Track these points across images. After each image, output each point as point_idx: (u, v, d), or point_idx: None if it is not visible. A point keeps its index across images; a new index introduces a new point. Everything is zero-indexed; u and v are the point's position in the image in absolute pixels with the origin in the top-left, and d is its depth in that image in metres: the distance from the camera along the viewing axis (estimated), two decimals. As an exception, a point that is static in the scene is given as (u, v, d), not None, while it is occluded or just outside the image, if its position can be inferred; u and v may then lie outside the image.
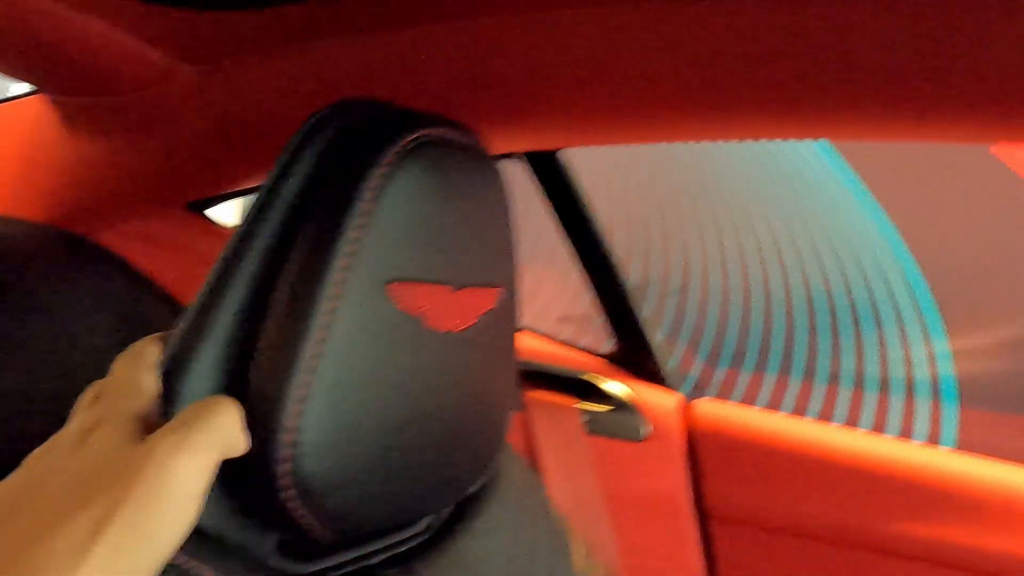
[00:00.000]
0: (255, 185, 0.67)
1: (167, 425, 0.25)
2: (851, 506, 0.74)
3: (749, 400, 1.97)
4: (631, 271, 2.16)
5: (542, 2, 0.46)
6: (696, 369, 2.04)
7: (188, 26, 0.49)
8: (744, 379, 2.01)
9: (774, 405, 1.96)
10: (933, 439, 1.81)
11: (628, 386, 0.82)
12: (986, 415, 1.73)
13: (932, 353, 1.81)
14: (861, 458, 0.74)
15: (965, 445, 1.74)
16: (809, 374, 1.94)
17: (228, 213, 0.78)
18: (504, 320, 0.36)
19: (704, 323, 2.09)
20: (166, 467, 0.23)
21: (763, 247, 2.03)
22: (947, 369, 1.79)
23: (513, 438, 0.60)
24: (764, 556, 0.77)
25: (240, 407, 0.27)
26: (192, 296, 0.29)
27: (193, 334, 0.28)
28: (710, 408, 0.80)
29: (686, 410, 0.80)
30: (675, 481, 0.79)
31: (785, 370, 1.99)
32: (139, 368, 0.28)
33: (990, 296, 1.74)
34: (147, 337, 0.30)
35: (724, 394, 1.99)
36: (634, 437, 0.79)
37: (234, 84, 0.55)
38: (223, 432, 0.26)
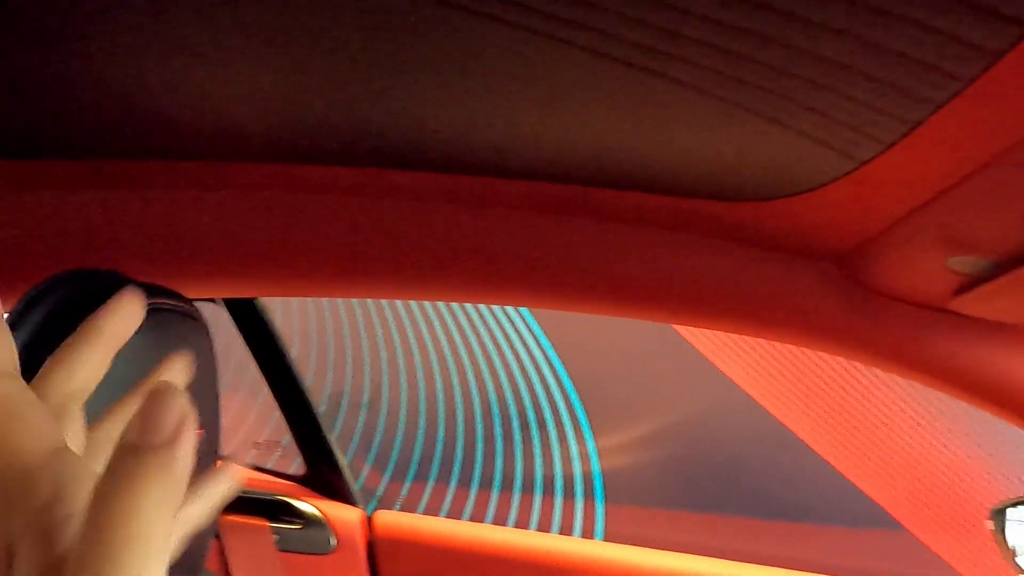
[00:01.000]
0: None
1: None
2: None
3: (433, 509, 2.11)
4: (326, 383, 2.25)
5: (236, 181, 0.59)
6: (382, 485, 2.14)
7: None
8: (428, 490, 2.15)
9: (456, 512, 2.13)
10: (588, 532, 2.09)
11: (317, 504, 0.92)
12: (625, 508, 2.06)
13: (584, 452, 2.13)
14: (530, 554, 0.91)
15: (612, 535, 2.08)
16: (486, 480, 2.15)
17: None
18: (206, 457, 0.45)
19: (392, 439, 2.22)
20: None
21: (447, 365, 2.24)
22: (596, 466, 2.11)
23: (210, 562, 0.67)
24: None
25: None
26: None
27: None
28: (389, 519, 0.93)
29: (368, 523, 0.92)
30: (359, 588, 0.90)
31: (466, 478, 2.17)
32: None
33: (628, 401, 2.11)
34: None
35: (409, 506, 2.11)
36: (322, 551, 0.89)
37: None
38: None
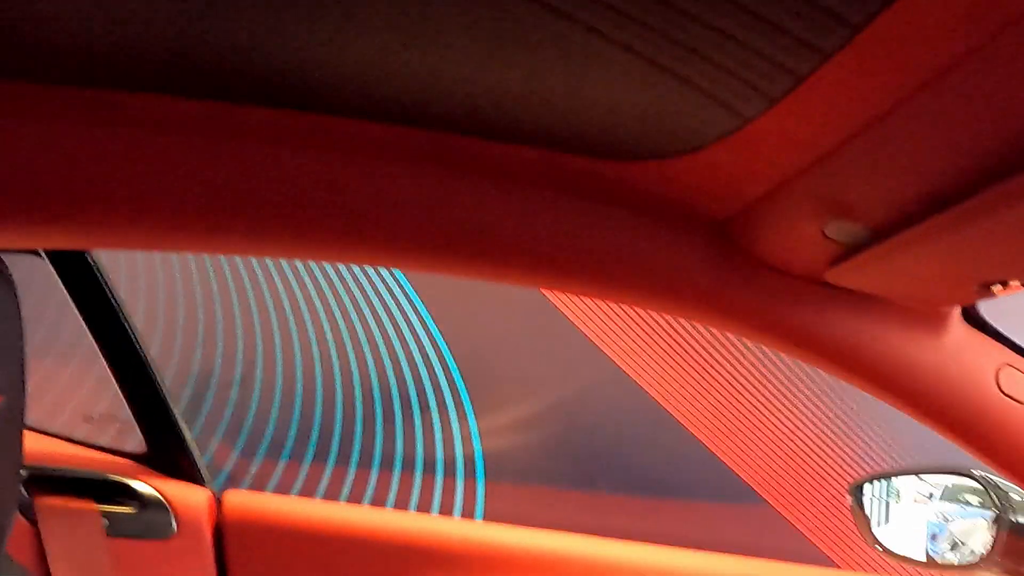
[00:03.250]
0: None
1: None
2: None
3: (309, 490, 2.03)
4: (194, 359, 2.11)
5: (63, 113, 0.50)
6: (254, 465, 2.04)
7: None
8: (303, 471, 2.07)
9: (333, 493, 2.05)
10: (468, 512, 2.07)
11: (157, 484, 0.83)
12: (506, 487, 2.06)
13: (466, 433, 2.10)
14: (390, 533, 0.86)
15: (491, 515, 2.06)
16: (366, 460, 2.08)
17: None
18: (7, 427, 0.38)
19: (266, 418, 2.12)
20: None
21: (325, 339, 2.16)
22: (478, 446, 2.09)
23: (21, 550, 0.58)
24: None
25: None
26: None
27: None
28: (242, 500, 0.86)
29: (215, 504, 0.84)
30: (203, 574, 0.82)
31: (344, 458, 2.10)
32: None
33: (511, 380, 2.10)
34: None
35: (282, 487, 2.02)
36: (160, 536, 0.80)
37: None
38: None
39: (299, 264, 2.18)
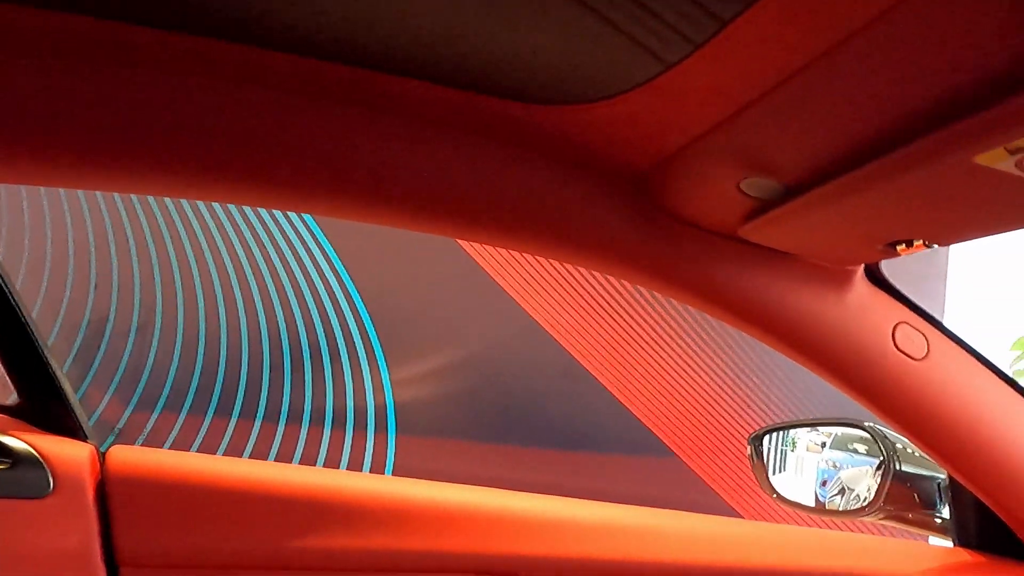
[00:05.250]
0: None
1: None
2: (286, 532, 0.81)
3: (211, 446, 1.96)
4: (87, 308, 1.98)
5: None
6: (152, 418, 1.95)
7: None
8: (205, 424, 2.00)
9: (237, 448, 2.00)
10: (378, 466, 2.06)
11: (32, 439, 0.77)
12: (418, 440, 2.05)
13: (379, 384, 2.07)
14: (292, 489, 0.82)
15: (400, 469, 2.05)
16: (273, 413, 2.03)
17: None
18: None
19: (165, 369, 2.03)
20: None
21: (231, 286, 2.07)
22: (389, 398, 2.07)
23: None
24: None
25: None
26: None
27: None
28: (128, 456, 0.81)
29: (98, 460, 0.79)
30: (84, 534, 0.77)
31: (250, 412, 2.04)
32: None
33: (425, 331, 2.08)
34: None
35: (183, 442, 1.95)
36: (35, 494, 0.75)
37: None
38: None
39: (202, 206, 2.07)
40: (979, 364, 0.78)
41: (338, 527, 0.80)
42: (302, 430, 2.05)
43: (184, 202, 2.06)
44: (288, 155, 0.60)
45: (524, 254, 2.09)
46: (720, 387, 2.13)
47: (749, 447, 1.17)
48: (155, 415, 1.97)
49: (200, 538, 0.79)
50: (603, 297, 2.11)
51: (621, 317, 2.11)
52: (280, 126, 0.59)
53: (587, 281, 2.09)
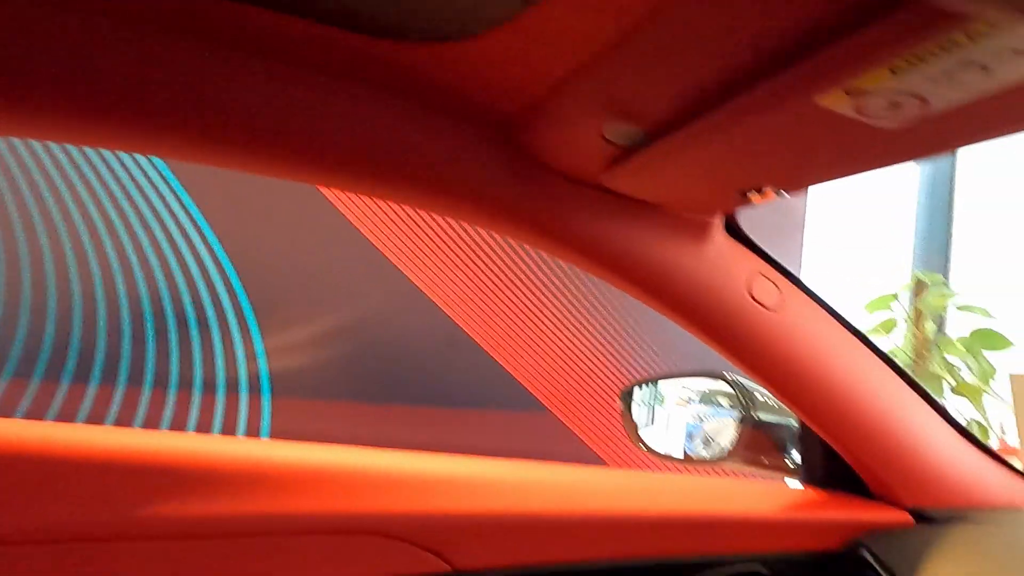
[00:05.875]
0: None
1: None
2: (144, 501, 0.76)
3: (68, 414, 1.83)
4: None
5: None
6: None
7: None
8: (61, 392, 1.86)
9: (97, 416, 1.88)
10: (253, 431, 1.99)
11: None
12: (296, 403, 1.99)
13: (251, 352, 2.00)
14: (147, 455, 0.77)
15: (278, 432, 1.99)
16: (136, 379, 1.92)
17: None
18: None
19: (9, 337, 1.86)
20: None
21: (84, 251, 1.91)
22: (263, 366, 2.00)
23: None
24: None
25: None
26: None
27: None
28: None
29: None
30: None
31: (110, 378, 1.92)
32: None
33: (299, 300, 2.01)
34: None
35: (36, 411, 1.81)
36: None
37: None
38: None
39: (46, 159, 1.89)
40: (829, 316, 0.82)
41: (198, 493, 0.76)
42: (168, 397, 1.95)
43: (27, 157, 1.88)
44: (137, 92, 0.54)
45: (397, 206, 2.05)
46: (594, 345, 2.19)
47: (620, 402, 1.20)
48: (1, 382, 1.82)
49: (51, 511, 0.73)
50: (481, 258, 2.11)
51: (499, 277, 2.12)
52: (131, 60, 0.54)
53: (464, 242, 2.09)
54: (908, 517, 0.86)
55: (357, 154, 0.63)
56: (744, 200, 0.62)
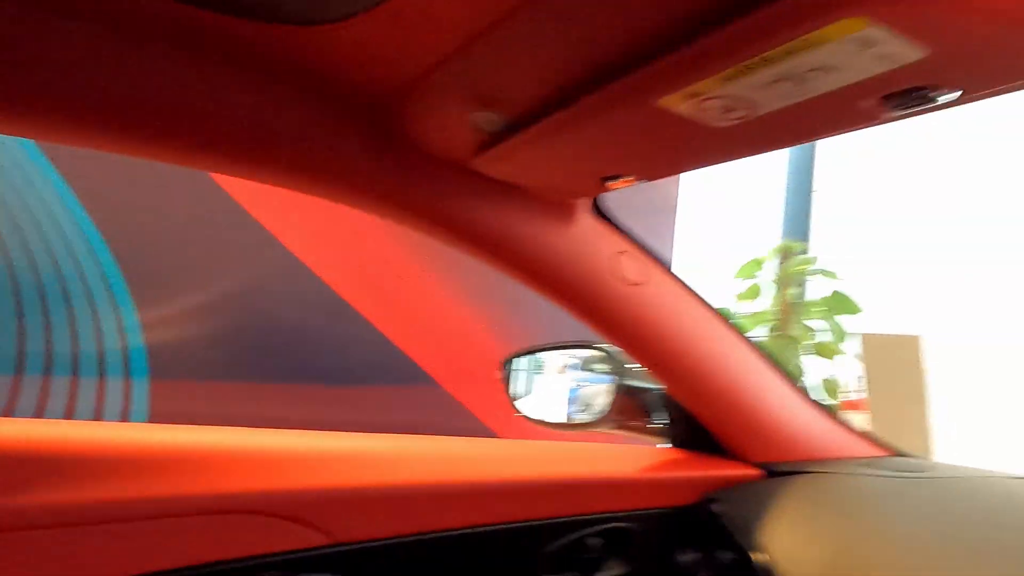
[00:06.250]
0: None
1: None
2: (4, 491, 0.72)
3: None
4: None
5: None
6: None
7: None
8: None
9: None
10: (125, 414, 1.90)
11: None
12: (175, 384, 1.92)
13: (122, 327, 1.90)
14: (6, 443, 0.73)
15: (158, 415, 1.91)
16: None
17: None
18: None
19: None
20: None
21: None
22: (137, 342, 1.91)
23: None
24: None
25: None
26: None
27: None
28: None
29: None
30: None
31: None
32: None
33: (175, 273, 1.93)
34: None
35: None
36: None
37: None
38: None
39: None
40: (686, 291, 0.89)
41: (73, 480, 0.74)
42: (24, 380, 1.83)
43: None
44: (6, 76, 0.52)
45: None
46: (478, 315, 2.23)
47: (502, 371, 1.25)
48: None
49: None
50: (370, 233, 2.10)
51: (387, 251, 2.12)
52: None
53: (352, 215, 2.07)
54: (756, 471, 0.95)
55: (230, 137, 0.63)
56: (606, 186, 0.67)
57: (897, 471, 0.91)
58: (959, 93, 0.41)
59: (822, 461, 0.97)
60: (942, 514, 0.76)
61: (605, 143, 0.57)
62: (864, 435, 1.04)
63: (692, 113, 0.48)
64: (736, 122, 0.49)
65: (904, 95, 0.43)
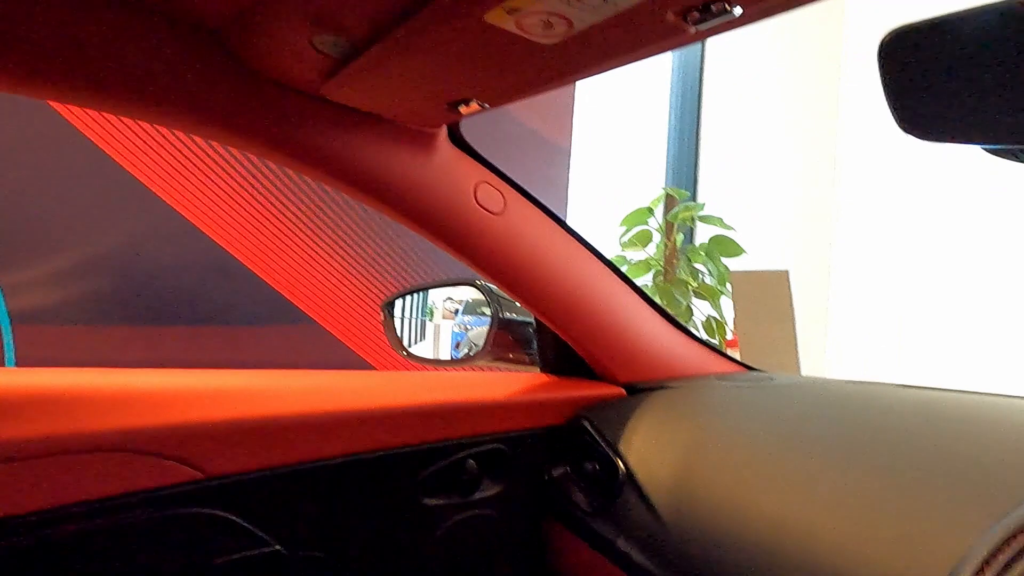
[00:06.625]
0: None
1: None
2: None
3: None
4: None
5: None
6: None
7: None
8: None
9: None
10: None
11: None
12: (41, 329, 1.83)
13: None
14: None
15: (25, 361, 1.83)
16: None
17: None
18: None
19: None
20: None
21: None
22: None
23: None
24: None
25: None
26: None
27: None
28: None
29: None
30: None
31: None
32: None
33: (39, 235, 1.83)
34: None
35: None
36: None
37: None
38: None
39: None
40: (548, 219, 0.93)
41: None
42: None
43: None
44: None
45: (147, 128, 1.92)
46: (356, 255, 2.24)
47: (382, 312, 1.26)
48: None
49: None
50: (240, 176, 2.06)
51: (256, 193, 2.09)
52: None
53: (218, 160, 2.02)
54: (621, 391, 1.01)
55: (69, 64, 0.61)
56: (456, 113, 0.68)
57: (746, 382, 0.99)
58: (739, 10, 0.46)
59: (682, 378, 1.05)
60: (781, 414, 0.84)
61: (444, 64, 0.58)
62: (721, 354, 1.12)
63: (518, 30, 0.50)
64: (559, 39, 0.51)
65: (703, 9, 0.46)
